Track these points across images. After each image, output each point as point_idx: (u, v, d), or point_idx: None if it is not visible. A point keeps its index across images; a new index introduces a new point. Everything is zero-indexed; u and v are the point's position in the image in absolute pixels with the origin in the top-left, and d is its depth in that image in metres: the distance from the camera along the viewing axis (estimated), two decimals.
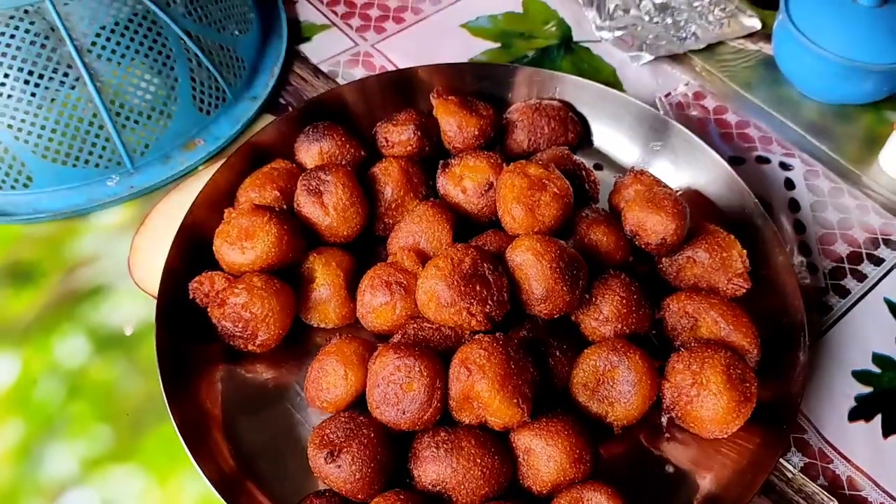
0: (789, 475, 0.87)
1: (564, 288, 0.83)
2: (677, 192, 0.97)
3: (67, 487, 0.84)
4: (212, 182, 0.99)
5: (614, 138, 1.12)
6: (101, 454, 0.86)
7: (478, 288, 0.81)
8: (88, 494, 0.84)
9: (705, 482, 0.84)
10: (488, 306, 0.82)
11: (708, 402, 0.81)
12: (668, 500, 0.83)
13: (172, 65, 1.09)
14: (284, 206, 0.96)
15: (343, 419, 0.80)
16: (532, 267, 0.83)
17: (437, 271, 0.82)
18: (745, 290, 0.91)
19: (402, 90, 1.14)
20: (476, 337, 0.81)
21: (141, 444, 0.87)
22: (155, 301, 0.89)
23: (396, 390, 0.79)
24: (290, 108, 1.17)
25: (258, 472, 0.83)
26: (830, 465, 0.88)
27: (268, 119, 1.17)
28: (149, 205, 1.07)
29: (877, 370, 0.95)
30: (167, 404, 0.82)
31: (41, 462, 0.85)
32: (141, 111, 1.08)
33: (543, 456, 0.78)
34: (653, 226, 0.91)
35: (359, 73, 1.27)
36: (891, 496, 0.86)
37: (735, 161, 1.14)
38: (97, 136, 1.06)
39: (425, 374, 0.79)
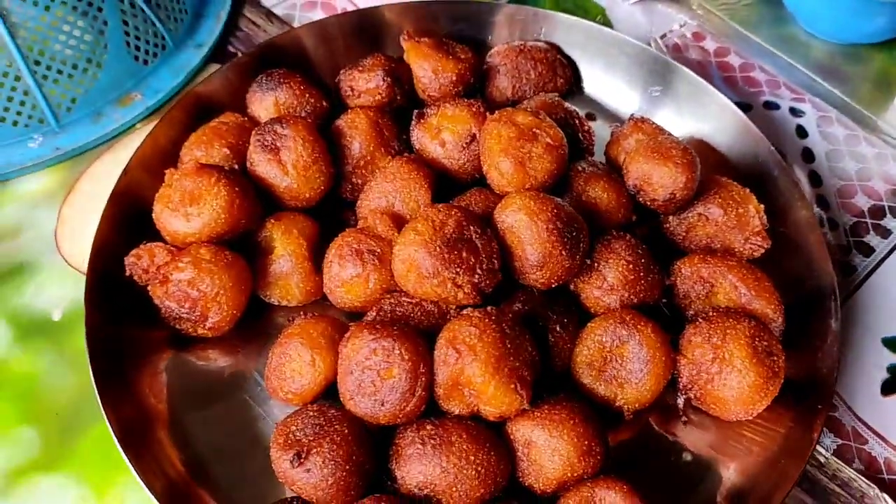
0: (822, 459, 0.77)
1: (563, 252, 0.73)
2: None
3: None
4: (150, 139, 0.87)
5: (608, 84, 1.01)
6: (26, 462, 0.75)
7: (464, 255, 0.71)
8: None
9: (730, 472, 0.74)
10: (477, 276, 0.71)
11: (731, 380, 0.72)
12: (689, 493, 0.73)
13: (100, 5, 0.94)
14: (236, 166, 0.84)
15: (311, 413, 0.69)
16: (526, 229, 0.73)
17: (416, 236, 0.71)
18: (763, 251, 0.82)
19: (367, 33, 1.01)
20: (464, 312, 0.70)
21: (72, 449, 0.76)
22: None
23: (373, 377, 0.67)
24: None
25: (212, 477, 0.73)
26: (865, 447, 0.78)
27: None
28: (78, 169, 0.96)
29: None
30: (99, 402, 0.70)
31: None
32: (65, 60, 0.94)
33: (547, 449, 0.68)
34: (660, 179, 0.80)
35: (318, 16, 1.13)
36: None
37: (741, 108, 1.00)
38: (13, 88, 0.92)
39: (406, 357, 0.67)
